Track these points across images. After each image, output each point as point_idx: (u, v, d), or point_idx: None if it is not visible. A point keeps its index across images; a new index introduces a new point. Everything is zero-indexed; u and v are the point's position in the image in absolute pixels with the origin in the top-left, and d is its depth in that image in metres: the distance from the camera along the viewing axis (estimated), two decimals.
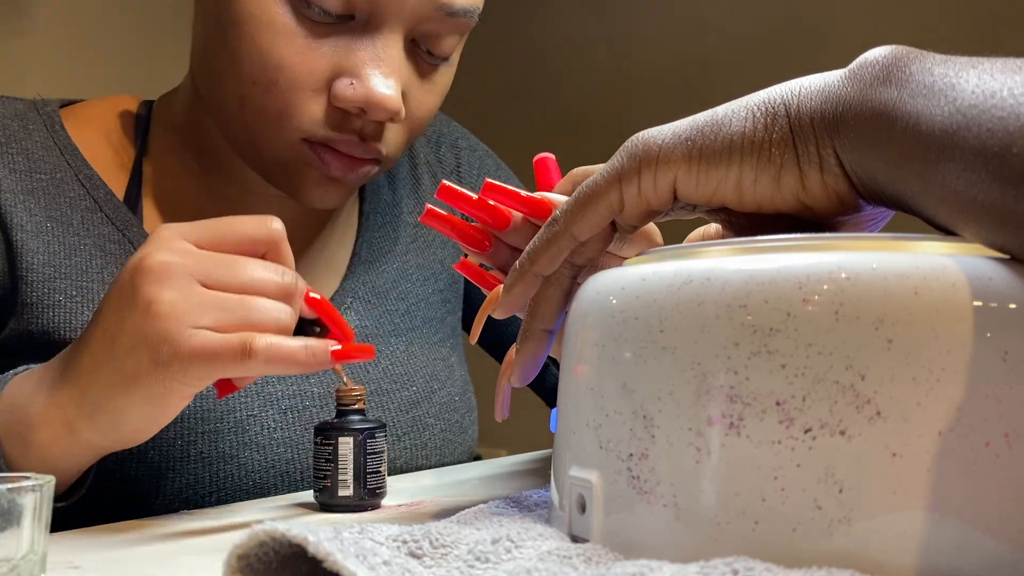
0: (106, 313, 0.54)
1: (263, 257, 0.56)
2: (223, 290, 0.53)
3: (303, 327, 0.57)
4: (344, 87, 0.65)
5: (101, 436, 0.55)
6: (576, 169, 0.57)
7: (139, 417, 0.54)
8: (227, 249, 0.55)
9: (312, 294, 0.57)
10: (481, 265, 0.58)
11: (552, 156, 0.61)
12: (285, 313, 0.54)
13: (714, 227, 0.54)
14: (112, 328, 0.53)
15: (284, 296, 0.55)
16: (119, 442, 0.56)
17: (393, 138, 0.70)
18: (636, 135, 0.44)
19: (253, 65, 0.65)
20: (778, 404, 0.34)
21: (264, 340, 0.52)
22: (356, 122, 0.67)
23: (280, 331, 0.54)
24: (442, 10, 0.67)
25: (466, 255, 0.58)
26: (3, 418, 0.56)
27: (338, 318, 0.58)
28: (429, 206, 0.56)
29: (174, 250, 0.53)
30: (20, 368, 0.59)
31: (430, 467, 0.80)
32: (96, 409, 0.54)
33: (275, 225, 0.56)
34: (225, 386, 0.58)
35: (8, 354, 0.68)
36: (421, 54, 0.70)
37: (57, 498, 0.57)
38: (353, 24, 0.66)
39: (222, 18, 0.66)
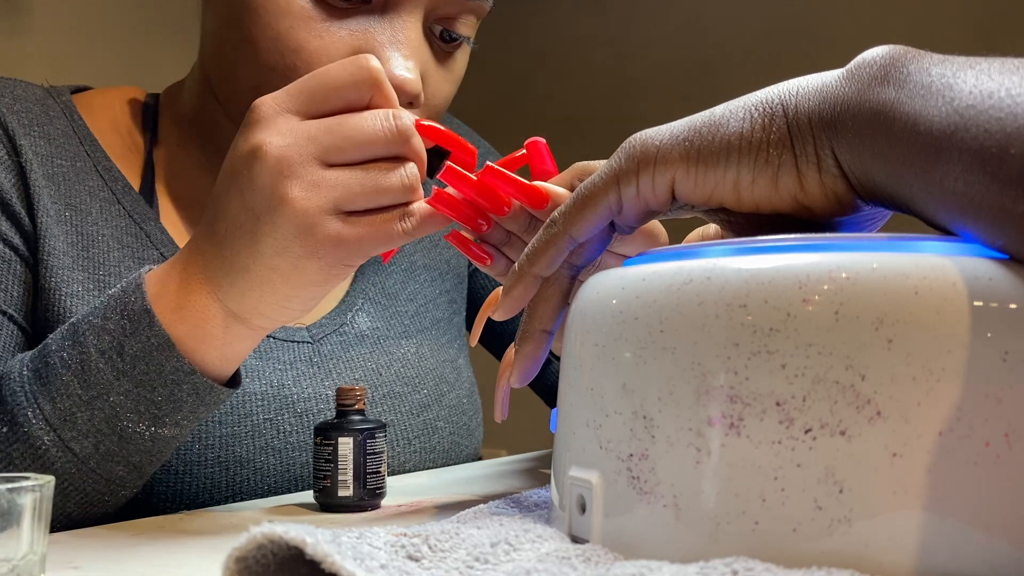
0: (231, 204, 0.54)
1: (369, 103, 0.55)
2: (345, 163, 0.53)
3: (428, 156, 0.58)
4: None
5: (271, 321, 0.57)
6: (578, 163, 0.57)
7: (304, 299, 0.56)
8: (331, 108, 0.54)
9: (423, 122, 0.56)
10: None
11: (543, 140, 0.61)
12: (410, 173, 0.54)
13: (713, 227, 0.54)
14: (248, 225, 0.54)
15: (403, 140, 0.54)
16: (290, 320, 0.58)
17: None
18: (634, 136, 0.44)
19: (270, 51, 0.64)
20: (778, 404, 0.34)
21: (398, 214, 0.54)
22: None
23: (410, 191, 0.54)
24: None
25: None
26: (177, 328, 0.56)
27: (455, 138, 0.58)
28: (437, 188, 0.56)
29: (284, 132, 0.53)
30: (139, 274, 0.57)
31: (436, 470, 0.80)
32: (261, 301, 0.55)
33: (371, 63, 0.55)
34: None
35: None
36: (436, 40, 0.70)
37: (227, 383, 0.59)
38: (371, 7, 0.66)
39: (236, 6, 0.65)
